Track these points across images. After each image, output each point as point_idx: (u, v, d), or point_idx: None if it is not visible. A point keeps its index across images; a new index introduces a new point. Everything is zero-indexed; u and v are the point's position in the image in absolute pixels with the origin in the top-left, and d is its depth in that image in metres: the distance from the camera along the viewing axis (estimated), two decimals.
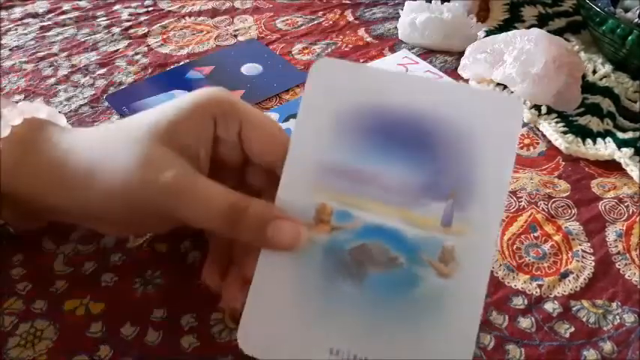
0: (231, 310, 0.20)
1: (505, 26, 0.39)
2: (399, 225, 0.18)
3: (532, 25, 0.39)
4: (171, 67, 0.36)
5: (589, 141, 0.31)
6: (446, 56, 0.37)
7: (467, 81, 0.35)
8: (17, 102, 0.23)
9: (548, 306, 0.23)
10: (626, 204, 0.27)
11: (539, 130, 0.32)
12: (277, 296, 0.18)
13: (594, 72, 0.36)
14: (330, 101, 0.19)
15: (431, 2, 0.38)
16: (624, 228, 0.26)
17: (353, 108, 0.19)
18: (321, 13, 0.42)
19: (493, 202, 0.18)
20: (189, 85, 0.34)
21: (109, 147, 0.20)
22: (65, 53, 0.36)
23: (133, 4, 0.42)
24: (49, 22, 0.39)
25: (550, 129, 0.31)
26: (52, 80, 0.34)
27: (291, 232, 0.18)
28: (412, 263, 0.18)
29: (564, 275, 0.24)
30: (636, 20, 0.35)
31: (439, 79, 0.19)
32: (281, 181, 0.19)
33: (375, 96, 0.19)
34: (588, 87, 0.34)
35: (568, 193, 0.28)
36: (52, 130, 0.22)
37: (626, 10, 0.36)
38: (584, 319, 0.22)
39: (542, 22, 0.40)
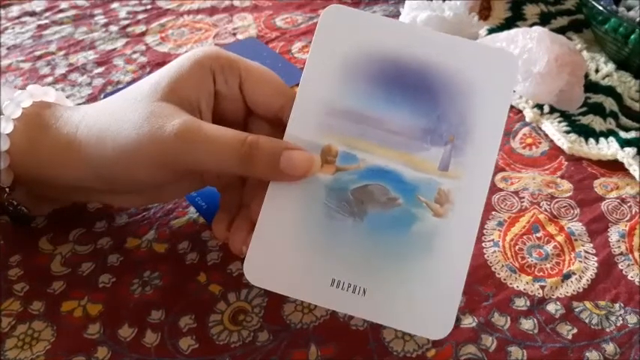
0: (240, 254, 0.21)
1: (507, 24, 0.39)
2: (399, 167, 0.19)
3: (534, 24, 0.39)
4: None
5: (592, 140, 0.30)
6: None
7: None
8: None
9: (551, 307, 0.23)
10: (628, 204, 0.27)
11: (541, 130, 0.32)
12: (282, 230, 0.19)
13: (597, 71, 0.35)
14: (338, 47, 0.20)
15: (432, 0, 0.38)
16: (627, 228, 0.26)
17: (361, 54, 0.20)
18: (320, 11, 0.41)
19: (488, 149, 0.19)
20: None
21: (115, 113, 0.20)
22: (63, 52, 0.36)
23: (131, 3, 0.41)
24: (47, 21, 0.39)
25: (552, 128, 0.31)
26: (50, 79, 0.34)
27: (303, 160, 0.19)
28: (410, 203, 0.19)
29: (567, 276, 0.24)
30: (639, 19, 0.34)
31: (442, 33, 0.20)
32: (288, 123, 0.20)
33: (382, 43, 0.20)
34: (591, 86, 0.34)
35: (570, 193, 0.28)
36: (62, 108, 0.22)
37: (629, 9, 0.36)
38: (587, 321, 0.22)
39: (544, 20, 0.40)
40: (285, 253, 0.19)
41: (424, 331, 0.19)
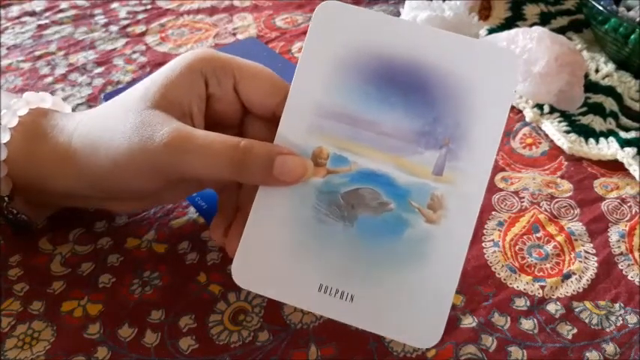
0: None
1: (507, 24, 0.39)
2: (392, 171, 0.19)
3: (534, 24, 0.39)
4: None
5: (592, 141, 0.30)
6: None
7: None
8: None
9: (551, 307, 0.23)
10: (628, 204, 0.27)
11: (541, 130, 0.32)
12: (271, 234, 0.19)
13: (597, 71, 0.35)
14: (332, 45, 0.19)
15: (432, 0, 0.38)
16: (627, 228, 0.26)
17: (355, 52, 0.19)
18: None
19: (485, 154, 0.19)
20: None
21: (108, 122, 0.20)
22: (62, 52, 0.36)
23: (131, 3, 0.41)
24: (47, 21, 0.39)
25: (552, 128, 0.31)
26: (50, 79, 0.34)
27: (297, 165, 0.19)
28: (402, 208, 0.19)
29: (567, 276, 0.24)
30: (638, 19, 0.34)
31: (440, 30, 0.20)
32: (279, 124, 0.19)
33: (377, 42, 0.19)
34: (591, 86, 0.34)
35: (571, 194, 0.28)
36: (57, 116, 0.22)
37: (629, 9, 0.36)
38: (587, 321, 0.22)
39: (544, 20, 0.40)
40: (274, 256, 0.19)
41: (412, 339, 0.18)
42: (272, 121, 0.20)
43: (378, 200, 0.19)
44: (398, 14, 0.39)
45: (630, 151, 0.29)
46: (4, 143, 0.21)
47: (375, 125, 0.19)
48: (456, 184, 0.19)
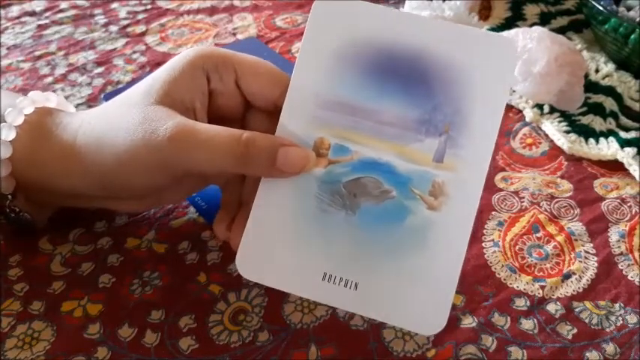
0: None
1: (507, 24, 0.39)
2: (393, 159, 0.19)
3: (534, 24, 0.39)
4: None
5: (592, 141, 0.30)
6: None
7: None
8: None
9: (551, 307, 0.23)
10: (628, 204, 0.27)
11: (541, 130, 0.32)
12: (274, 225, 0.19)
13: (597, 71, 0.35)
14: (331, 37, 0.20)
15: (432, 0, 0.38)
16: (627, 228, 0.26)
17: (353, 44, 0.20)
18: None
19: (485, 140, 0.19)
20: None
21: (111, 119, 0.20)
22: (62, 52, 0.36)
23: (131, 3, 0.41)
24: (47, 21, 0.39)
25: (553, 128, 0.31)
26: (50, 79, 0.34)
27: (300, 157, 0.19)
28: (403, 196, 0.19)
29: (567, 276, 0.24)
30: (638, 19, 0.34)
31: (437, 19, 0.20)
32: (281, 116, 0.19)
33: (375, 32, 0.20)
34: (591, 86, 0.34)
35: (571, 194, 0.28)
36: (61, 115, 0.22)
37: (629, 9, 0.36)
38: (587, 321, 0.22)
39: (544, 20, 0.40)
40: (277, 247, 0.19)
41: (417, 326, 0.19)
42: (274, 113, 0.20)
43: (380, 188, 0.19)
44: None
45: (630, 151, 0.29)
46: (9, 141, 0.21)
47: (375, 114, 0.19)
48: (457, 170, 0.19)
